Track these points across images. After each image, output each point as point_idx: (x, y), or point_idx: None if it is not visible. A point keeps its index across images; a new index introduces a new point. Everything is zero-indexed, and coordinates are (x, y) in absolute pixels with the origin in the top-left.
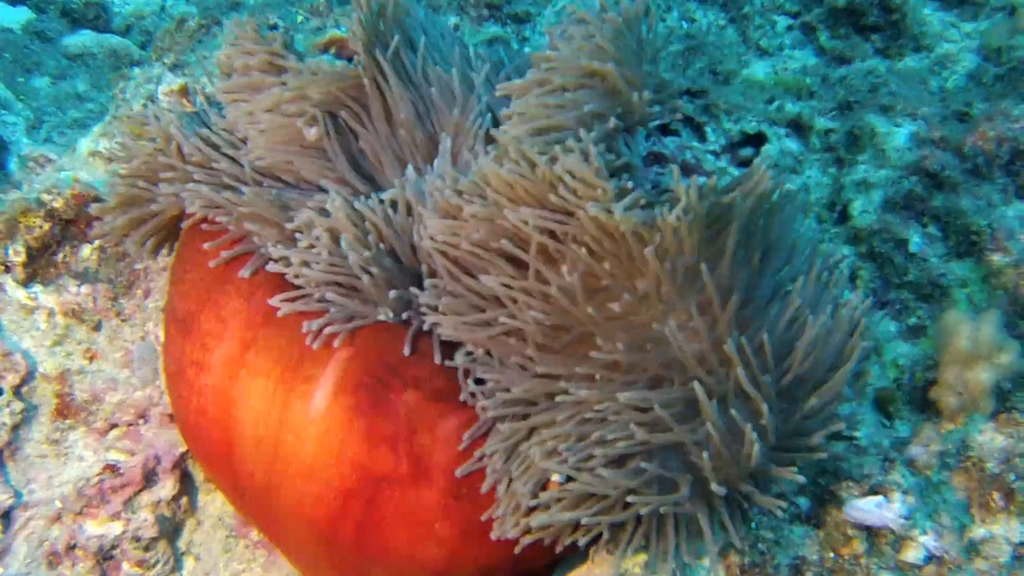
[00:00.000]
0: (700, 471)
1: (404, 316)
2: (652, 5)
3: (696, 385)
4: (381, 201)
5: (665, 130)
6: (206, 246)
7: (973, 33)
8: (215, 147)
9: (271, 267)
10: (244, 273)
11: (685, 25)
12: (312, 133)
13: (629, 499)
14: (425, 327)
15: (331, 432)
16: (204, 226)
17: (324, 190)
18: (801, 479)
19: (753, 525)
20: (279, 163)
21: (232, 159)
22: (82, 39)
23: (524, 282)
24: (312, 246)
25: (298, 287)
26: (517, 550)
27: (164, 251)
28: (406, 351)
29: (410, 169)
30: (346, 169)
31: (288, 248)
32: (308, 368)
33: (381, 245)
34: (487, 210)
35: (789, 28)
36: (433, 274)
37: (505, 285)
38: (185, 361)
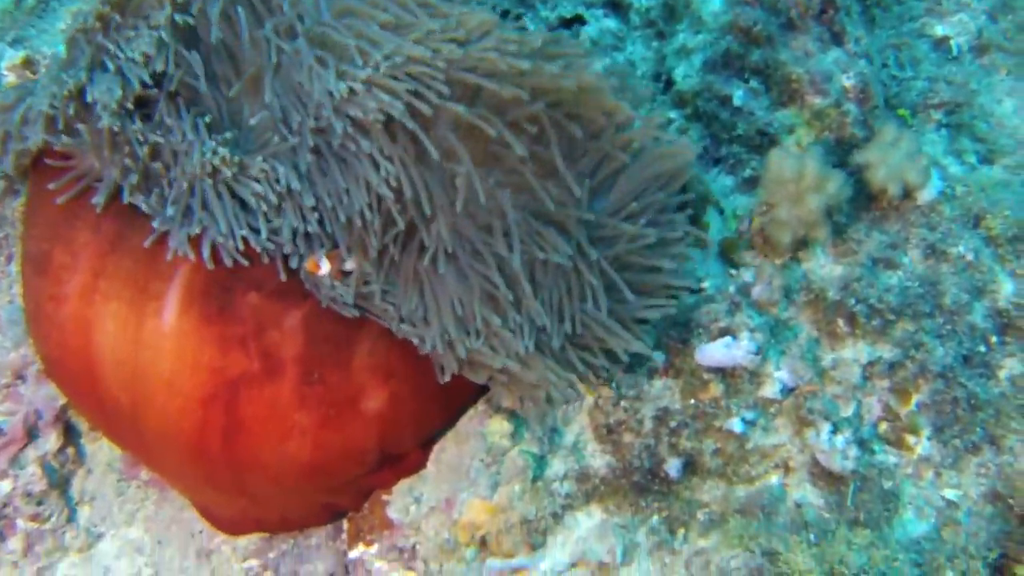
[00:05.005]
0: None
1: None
2: None
3: None
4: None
5: None
6: (51, 186)
7: None
8: None
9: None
10: (95, 201)
11: None
12: None
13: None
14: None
15: (185, 343)
16: (48, 161)
17: None
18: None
19: (614, 385)
20: None
21: None
22: None
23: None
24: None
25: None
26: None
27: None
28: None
29: None
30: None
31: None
32: (155, 286)
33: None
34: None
35: None
36: None
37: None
38: (43, 298)
